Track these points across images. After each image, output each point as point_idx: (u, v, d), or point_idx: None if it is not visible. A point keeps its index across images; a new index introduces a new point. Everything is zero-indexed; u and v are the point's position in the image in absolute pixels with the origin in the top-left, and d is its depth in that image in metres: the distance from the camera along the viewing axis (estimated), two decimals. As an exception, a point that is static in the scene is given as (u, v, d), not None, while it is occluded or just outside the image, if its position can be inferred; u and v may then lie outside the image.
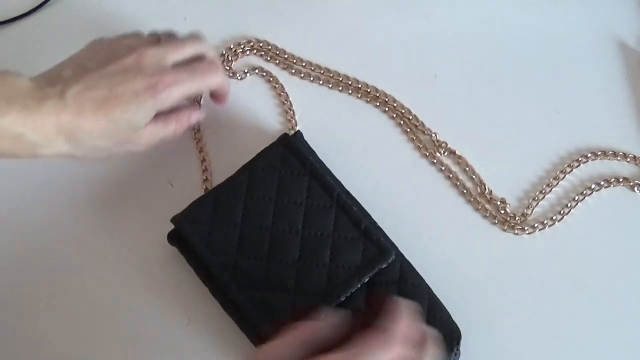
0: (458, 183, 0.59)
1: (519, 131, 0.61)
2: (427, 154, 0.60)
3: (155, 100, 0.50)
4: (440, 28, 0.66)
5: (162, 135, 0.53)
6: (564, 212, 0.58)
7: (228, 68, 0.63)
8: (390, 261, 0.53)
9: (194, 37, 0.56)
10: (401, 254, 0.55)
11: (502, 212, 0.58)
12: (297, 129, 0.61)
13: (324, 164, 0.58)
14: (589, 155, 0.60)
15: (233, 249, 0.53)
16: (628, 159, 0.60)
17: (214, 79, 0.55)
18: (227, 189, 0.56)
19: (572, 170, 0.60)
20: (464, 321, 0.53)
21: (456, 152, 0.60)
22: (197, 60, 0.54)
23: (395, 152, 0.60)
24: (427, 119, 0.61)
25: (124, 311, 0.55)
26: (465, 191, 0.59)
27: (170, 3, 0.67)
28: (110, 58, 0.50)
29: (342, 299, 0.52)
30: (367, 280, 0.53)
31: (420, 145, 0.61)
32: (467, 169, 0.60)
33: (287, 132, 0.60)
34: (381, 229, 0.56)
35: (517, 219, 0.58)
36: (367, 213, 0.56)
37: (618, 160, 0.60)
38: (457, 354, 0.52)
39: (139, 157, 0.59)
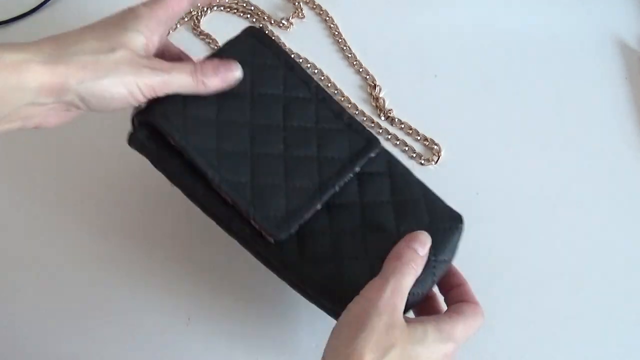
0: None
1: (518, 131, 0.61)
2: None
3: None
4: (441, 28, 0.66)
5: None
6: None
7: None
8: (378, 150, 0.51)
9: None
10: (385, 150, 0.52)
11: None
12: (260, 25, 0.58)
13: (294, 59, 0.54)
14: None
15: (212, 145, 0.49)
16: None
17: None
18: None
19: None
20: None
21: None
22: None
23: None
24: (426, 119, 0.62)
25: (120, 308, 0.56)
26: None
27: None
28: None
29: (337, 189, 0.50)
30: (358, 170, 0.50)
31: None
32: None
33: None
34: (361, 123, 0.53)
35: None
36: (344, 108, 0.53)
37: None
38: (461, 232, 0.50)
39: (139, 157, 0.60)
